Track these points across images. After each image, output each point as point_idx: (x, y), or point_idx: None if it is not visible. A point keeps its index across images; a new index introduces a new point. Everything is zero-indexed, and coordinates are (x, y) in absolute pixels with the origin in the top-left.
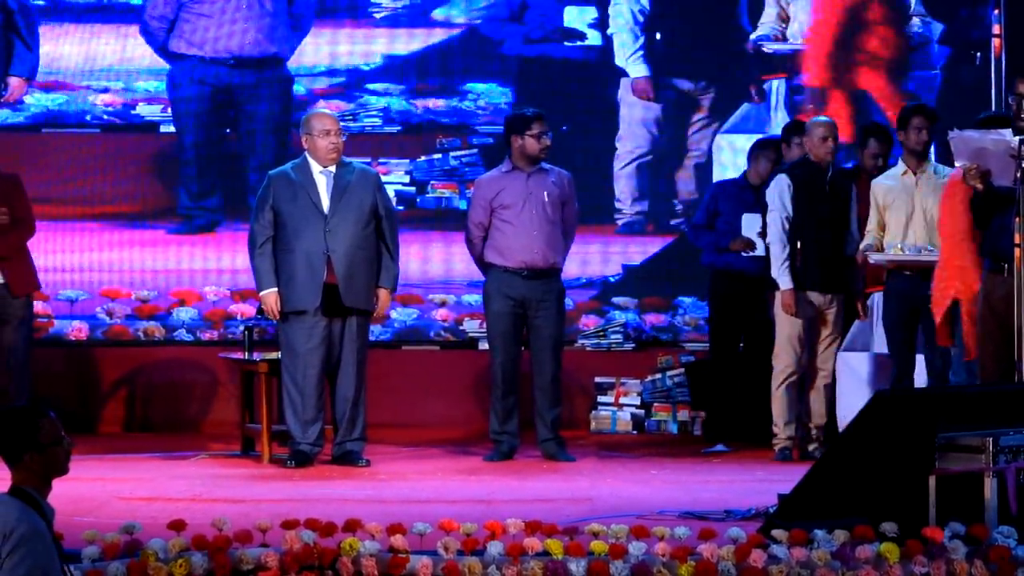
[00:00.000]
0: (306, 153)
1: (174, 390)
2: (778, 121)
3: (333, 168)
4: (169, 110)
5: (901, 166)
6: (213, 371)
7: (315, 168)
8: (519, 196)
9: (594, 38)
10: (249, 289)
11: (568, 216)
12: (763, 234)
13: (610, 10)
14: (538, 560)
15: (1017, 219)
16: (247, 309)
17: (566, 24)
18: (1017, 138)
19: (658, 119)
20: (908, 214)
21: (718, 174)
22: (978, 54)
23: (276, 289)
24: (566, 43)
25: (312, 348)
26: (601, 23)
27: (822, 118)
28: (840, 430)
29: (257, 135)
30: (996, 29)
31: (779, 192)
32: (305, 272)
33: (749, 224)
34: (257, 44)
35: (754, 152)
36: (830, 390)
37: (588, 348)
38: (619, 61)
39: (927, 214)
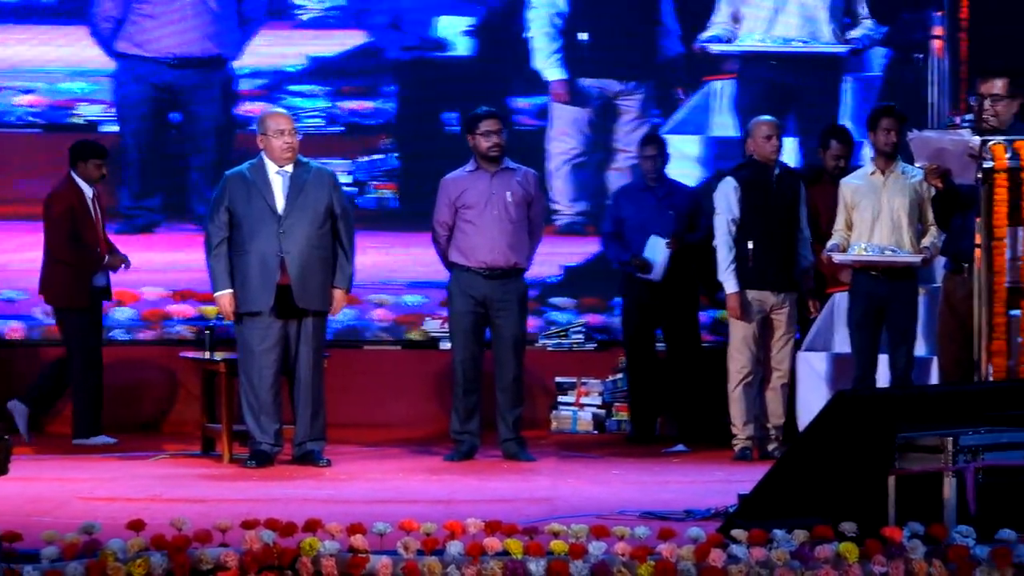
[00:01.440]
0: (262, 153)
1: (134, 390)
2: (719, 122)
3: (289, 168)
4: (113, 110)
5: (870, 166)
6: (173, 371)
7: (271, 168)
8: (481, 196)
9: (464, 47)
10: (188, 289)
11: (534, 216)
12: (672, 242)
13: (528, 14)
14: (498, 560)
15: (978, 219)
16: (186, 309)
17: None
18: (977, 138)
19: (590, 120)
20: (875, 214)
21: None
22: (919, 56)
23: (231, 290)
24: (435, 53)
25: (267, 349)
26: (479, 30)
27: (765, 117)
28: (800, 430)
29: (199, 135)
30: (937, 31)
31: (725, 194)
32: (259, 273)
33: (653, 247)
34: (200, 44)
35: (637, 152)
36: (787, 390)
37: (549, 348)
38: (537, 64)
39: (894, 214)
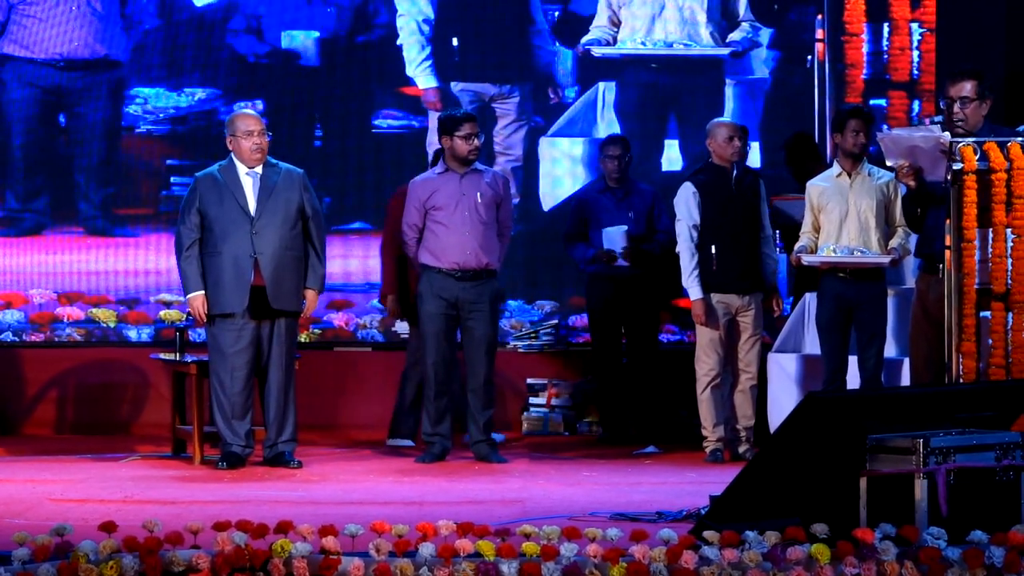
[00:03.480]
0: (231, 154)
1: (104, 392)
2: (604, 125)
3: (259, 169)
4: None
5: (836, 168)
6: (144, 372)
7: (241, 169)
8: (452, 197)
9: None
10: (77, 292)
11: (503, 217)
12: (630, 242)
13: (397, 21)
14: (470, 561)
15: (948, 220)
16: (74, 312)
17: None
18: (946, 134)
19: None
20: (842, 215)
21: (547, 177)
22: (808, 57)
23: (203, 292)
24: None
25: (240, 350)
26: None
27: (725, 119)
28: (771, 431)
29: (86, 137)
30: (819, 34)
31: (685, 200)
32: (232, 275)
33: (610, 238)
34: (87, 46)
35: (599, 152)
36: (756, 391)
37: (520, 349)
38: (409, 71)
39: (861, 216)
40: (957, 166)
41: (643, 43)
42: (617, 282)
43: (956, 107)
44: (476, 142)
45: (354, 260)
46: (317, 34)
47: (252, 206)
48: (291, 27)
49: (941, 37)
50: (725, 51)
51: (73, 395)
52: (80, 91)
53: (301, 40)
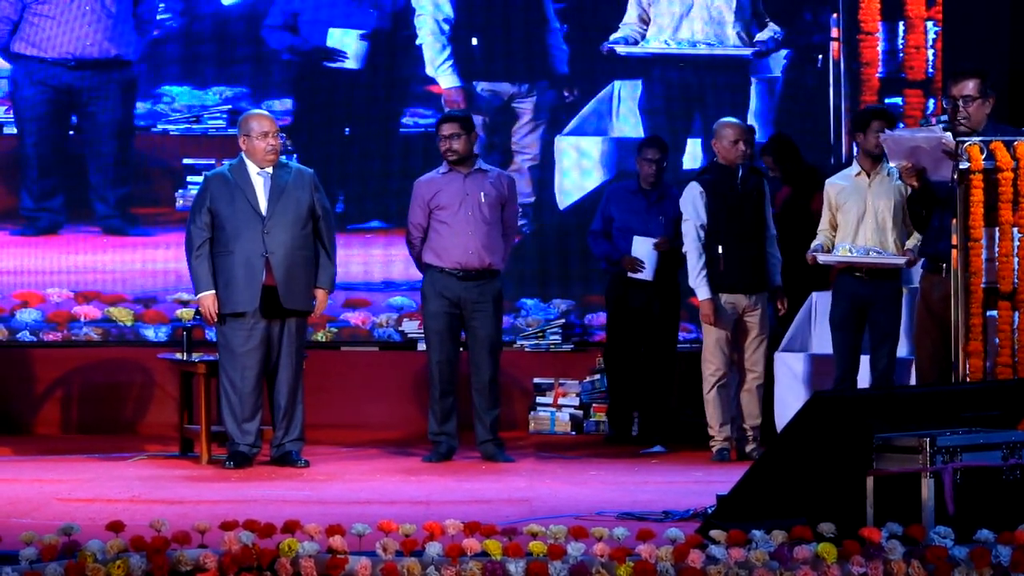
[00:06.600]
0: (242, 154)
1: (112, 391)
2: (619, 123)
3: (270, 169)
4: (11, 112)
5: (855, 167)
6: (151, 372)
7: (252, 169)
8: (455, 197)
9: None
10: (93, 290)
11: (508, 217)
12: (661, 243)
13: (416, 20)
14: (477, 561)
15: (953, 220)
16: (91, 310)
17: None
18: (950, 133)
19: (484, 122)
20: (860, 215)
21: (560, 175)
22: (819, 57)
23: (214, 291)
24: (325, 63)
25: (251, 350)
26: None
27: (732, 120)
28: (778, 431)
29: (99, 136)
30: (834, 32)
31: (691, 200)
32: (244, 274)
33: (639, 246)
34: (99, 46)
35: (636, 154)
36: (762, 390)
37: (527, 349)
38: (429, 71)
39: (878, 215)
40: (963, 165)
41: (667, 42)
42: (639, 284)
43: (959, 106)
44: (453, 144)
45: (355, 259)
46: (358, 32)
47: (263, 206)
48: (334, 25)
49: (947, 36)
50: (748, 51)
51: (80, 395)
52: (91, 91)
53: (339, 38)
